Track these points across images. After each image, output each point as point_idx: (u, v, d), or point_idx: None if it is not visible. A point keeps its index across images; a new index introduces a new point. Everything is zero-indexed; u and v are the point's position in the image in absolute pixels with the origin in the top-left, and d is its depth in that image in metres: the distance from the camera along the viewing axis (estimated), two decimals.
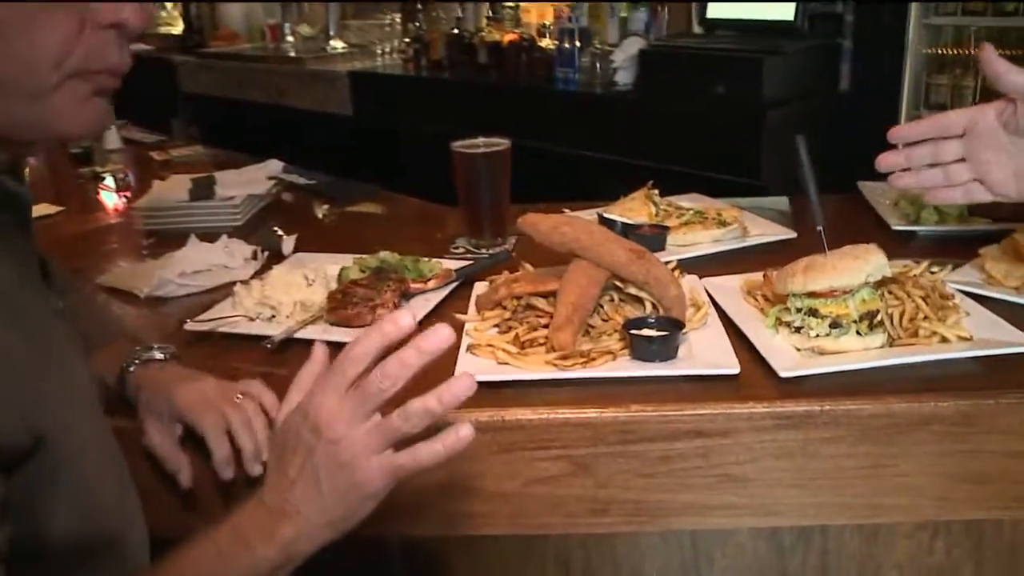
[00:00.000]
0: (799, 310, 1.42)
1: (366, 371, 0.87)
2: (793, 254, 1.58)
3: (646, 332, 1.47)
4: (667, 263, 1.81)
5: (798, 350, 1.42)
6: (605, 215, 2.17)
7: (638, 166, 4.56)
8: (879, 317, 1.47)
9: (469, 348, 1.51)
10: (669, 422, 1.30)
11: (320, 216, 2.73)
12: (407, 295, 1.84)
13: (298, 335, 1.69)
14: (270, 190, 2.72)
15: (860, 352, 1.39)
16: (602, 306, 1.59)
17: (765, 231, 2.13)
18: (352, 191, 2.92)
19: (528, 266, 1.77)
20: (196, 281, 2.07)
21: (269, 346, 1.60)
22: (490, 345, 1.52)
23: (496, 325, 1.62)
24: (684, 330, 1.43)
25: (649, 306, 1.60)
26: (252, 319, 1.79)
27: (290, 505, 0.90)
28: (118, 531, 0.94)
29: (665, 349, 1.38)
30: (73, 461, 0.86)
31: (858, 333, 1.40)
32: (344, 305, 1.74)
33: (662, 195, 2.33)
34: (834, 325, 1.40)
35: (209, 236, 2.33)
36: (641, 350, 1.40)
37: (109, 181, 3.32)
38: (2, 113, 0.83)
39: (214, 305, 1.86)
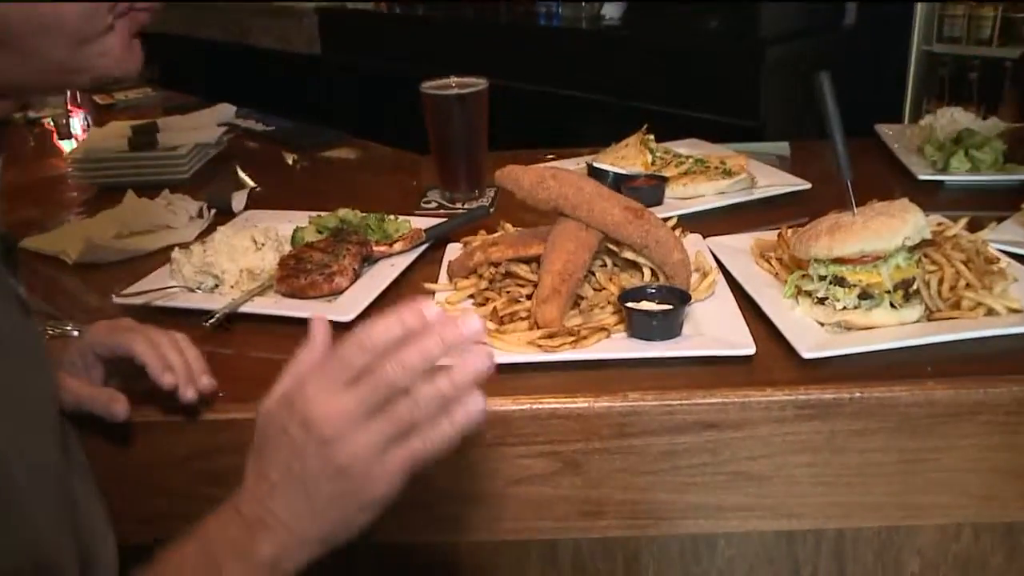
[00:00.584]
0: (823, 278, 1.26)
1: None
2: (808, 208, 1.41)
3: (645, 306, 1.30)
4: (666, 219, 1.63)
5: (821, 325, 1.28)
6: (595, 164, 1.98)
7: (627, 107, 4.35)
8: (915, 286, 1.30)
9: None
10: (673, 412, 1.17)
11: (280, 166, 2.52)
12: (370, 259, 1.65)
13: (244, 308, 1.50)
14: (221, 139, 2.50)
15: (895, 328, 1.24)
16: (593, 273, 1.42)
17: (775, 181, 1.94)
18: (316, 138, 2.70)
19: (508, 226, 1.58)
20: (132, 245, 1.87)
21: (207, 323, 1.41)
22: None
23: (471, 296, 1.43)
24: (690, 302, 1.23)
25: (648, 273, 1.42)
26: (193, 290, 1.60)
27: (271, 515, 0.79)
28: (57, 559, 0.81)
29: (668, 326, 1.24)
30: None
31: (892, 305, 1.24)
32: (297, 273, 1.55)
33: (657, 140, 2.14)
34: (864, 296, 1.23)
35: (152, 191, 2.14)
36: (640, 327, 1.24)
37: (52, 126, 3.09)
38: (35, 61, 0.82)
39: (151, 273, 1.66)
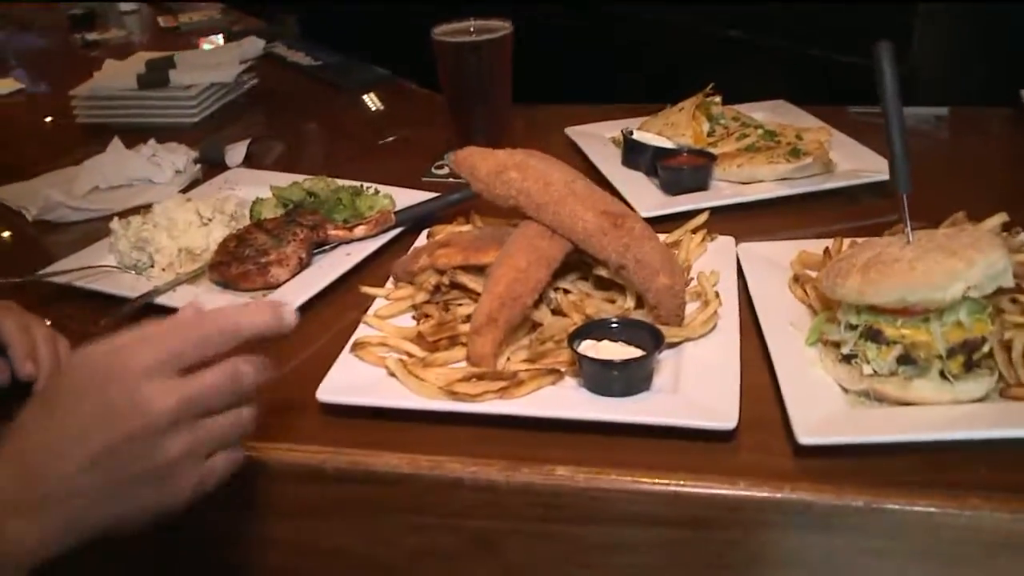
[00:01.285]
0: (852, 327, 1.01)
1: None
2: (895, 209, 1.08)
3: (606, 348, 1.02)
4: (698, 213, 1.34)
5: (844, 391, 1.02)
6: (632, 134, 1.67)
7: (720, 40, 3.74)
8: (985, 349, 0.97)
9: (355, 346, 1.11)
10: (610, 499, 0.96)
11: (304, 112, 2.34)
12: (324, 245, 1.43)
13: (162, 300, 1.32)
14: (240, 78, 2.32)
15: (944, 409, 0.97)
16: (561, 292, 1.15)
17: (862, 167, 1.58)
18: (361, 77, 2.49)
19: (477, 220, 1.33)
20: (100, 203, 1.74)
21: (103, 322, 1.24)
22: (384, 344, 1.11)
23: (415, 307, 1.20)
24: (661, 348, 1.00)
25: (630, 299, 1.14)
26: (126, 269, 1.43)
27: (35, 463, 0.77)
28: None
29: (630, 379, 1.03)
30: None
31: (944, 376, 0.92)
32: (232, 260, 1.35)
33: (738, 95, 1.81)
34: (905, 359, 0.93)
35: (158, 134, 2.01)
36: (594, 378, 1.01)
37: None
38: None
39: (98, 242, 1.52)
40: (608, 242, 1.10)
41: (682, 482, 0.94)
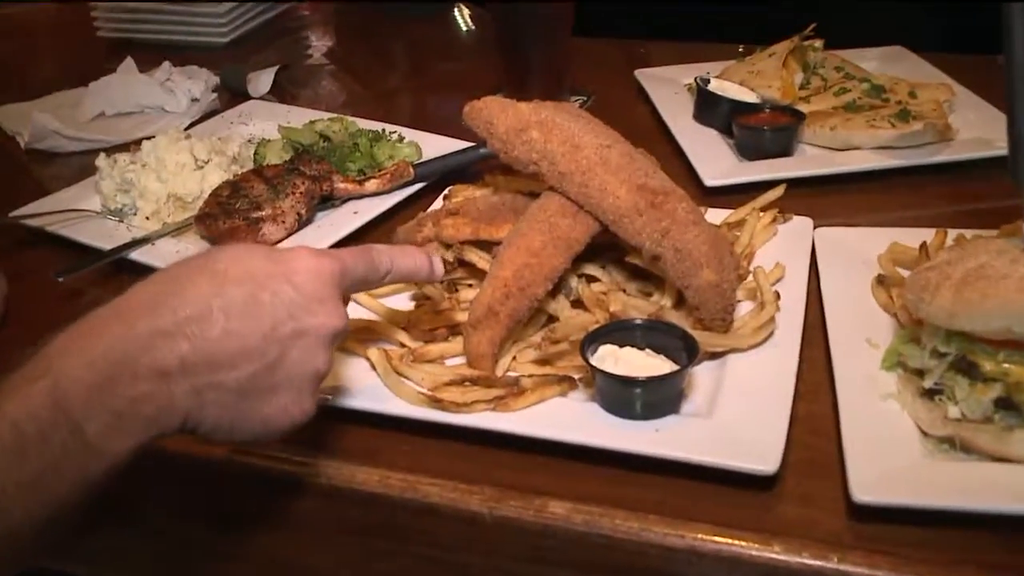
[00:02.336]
0: (940, 355, 0.84)
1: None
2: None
3: (628, 358, 0.90)
4: (775, 185, 1.21)
5: (924, 435, 0.89)
6: (708, 83, 1.51)
7: None
8: None
9: None
10: (611, 546, 0.85)
11: (349, 39, 2.23)
12: (330, 200, 1.33)
13: (138, 256, 1.24)
14: None
15: None
16: (584, 280, 1.02)
17: (990, 135, 1.38)
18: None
19: (499, 181, 1.20)
20: (102, 133, 1.67)
21: (61, 278, 1.17)
22: (371, 330, 1.01)
23: (417, 285, 1.09)
24: (694, 362, 0.89)
25: (669, 295, 1.00)
26: (108, 215, 1.36)
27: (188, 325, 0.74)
28: None
29: (653, 399, 0.91)
30: None
31: None
32: (221, 212, 1.26)
33: (848, 37, 1.62)
34: (1005, 404, 0.80)
35: (182, 54, 1.94)
36: (610, 396, 0.91)
37: None
38: None
39: (85, 180, 1.46)
40: (643, 225, 0.96)
41: (702, 536, 0.83)
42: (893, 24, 2.06)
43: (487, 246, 1.07)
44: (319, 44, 2.26)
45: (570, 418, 0.91)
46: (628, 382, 0.89)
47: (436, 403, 0.91)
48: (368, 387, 0.95)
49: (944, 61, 1.68)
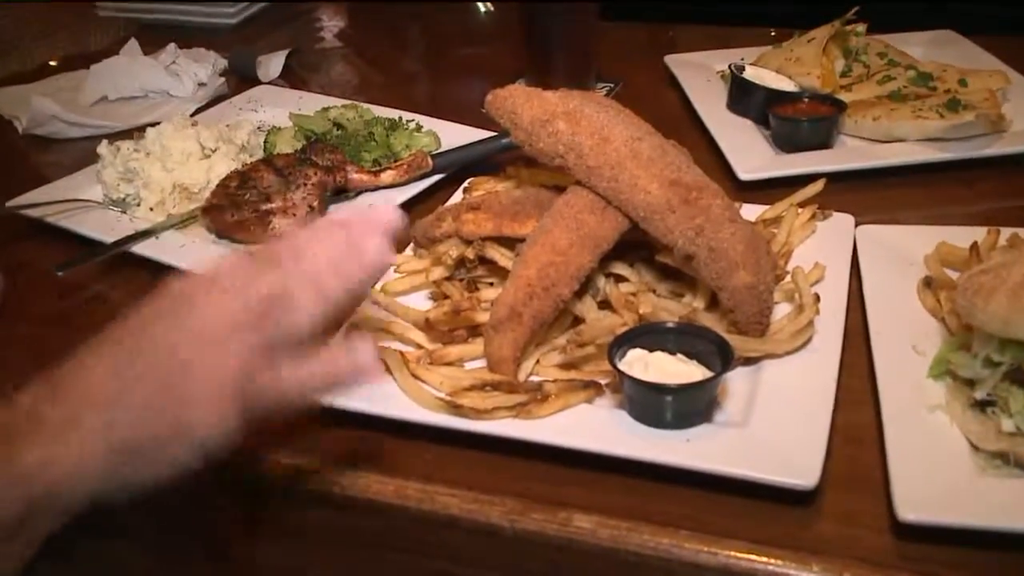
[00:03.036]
0: (993, 365, 0.86)
1: None
2: None
3: (658, 363, 0.89)
4: (814, 180, 1.22)
5: (976, 450, 0.88)
6: (743, 70, 1.50)
7: None
8: None
9: (351, 330, 1.01)
10: (640, 563, 0.84)
11: (370, 23, 2.23)
12: (343, 192, 1.32)
13: (141, 249, 1.24)
14: None
15: None
16: (613, 280, 1.01)
17: None
18: None
19: (520, 175, 1.19)
20: (105, 118, 1.68)
21: (60, 272, 1.17)
22: (387, 331, 1.01)
23: (435, 283, 1.08)
24: (727, 369, 0.90)
25: (702, 297, 0.99)
26: (110, 205, 1.36)
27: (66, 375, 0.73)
28: None
29: (684, 408, 0.90)
30: None
31: None
32: (229, 204, 1.26)
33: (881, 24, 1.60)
34: None
35: (190, 38, 1.95)
36: (638, 404, 0.91)
37: None
38: None
39: (88, 167, 1.46)
40: (676, 222, 0.95)
41: (735, 554, 0.82)
42: (943, 6, 2.04)
43: (510, 243, 1.06)
44: (332, 26, 2.26)
45: (596, 427, 0.90)
46: (658, 389, 0.88)
47: (455, 409, 0.90)
48: (383, 391, 0.95)
49: (998, 46, 1.66)
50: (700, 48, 1.75)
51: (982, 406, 0.87)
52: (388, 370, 0.96)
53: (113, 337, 0.75)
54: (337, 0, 2.37)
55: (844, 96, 1.46)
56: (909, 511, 0.79)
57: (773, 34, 1.68)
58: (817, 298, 0.99)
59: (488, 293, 1.04)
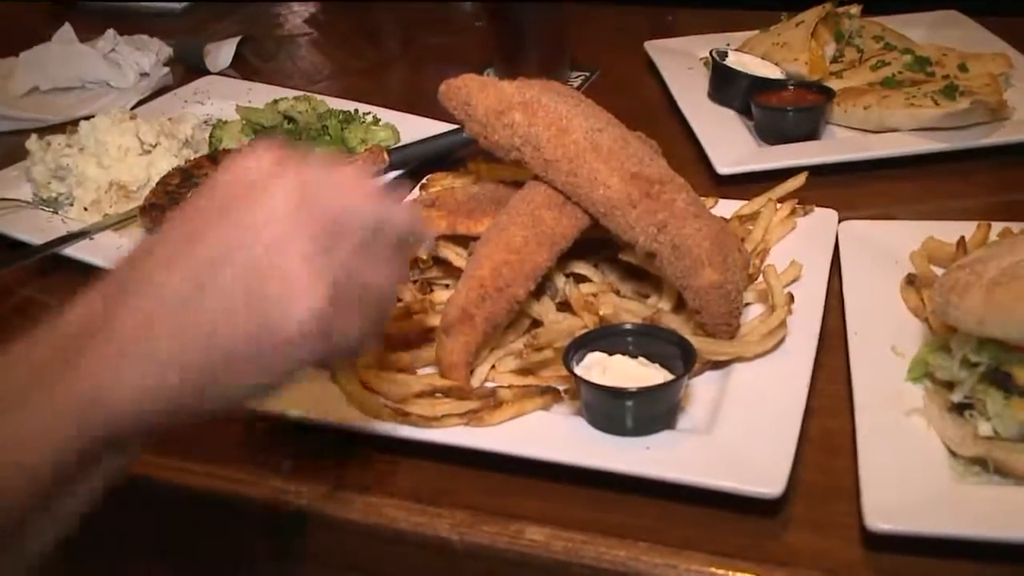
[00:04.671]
0: (971, 365, 0.92)
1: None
2: None
3: (618, 367, 0.94)
4: (796, 175, 1.27)
5: (953, 455, 0.92)
6: (726, 57, 1.54)
7: None
8: None
9: None
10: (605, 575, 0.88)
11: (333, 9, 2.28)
12: None
13: (74, 251, 1.28)
14: None
15: None
16: (572, 280, 1.05)
17: None
18: None
19: (479, 171, 1.23)
20: (35, 110, 1.72)
21: None
22: None
23: None
24: (689, 372, 0.95)
25: (668, 298, 1.04)
26: (40, 205, 1.40)
27: (133, 282, 0.71)
28: None
29: (644, 414, 0.94)
30: None
31: None
32: (167, 204, 1.30)
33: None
34: None
35: (135, 24, 1.99)
36: (596, 411, 0.95)
37: None
38: None
39: (16, 164, 1.51)
40: (637, 218, 0.99)
41: (696, 567, 0.86)
42: None
43: (465, 242, 1.10)
44: (290, 12, 2.30)
45: (552, 434, 0.94)
46: (616, 393, 0.92)
47: (403, 417, 0.94)
48: (329, 398, 0.99)
49: (1006, 26, 1.72)
50: (687, 32, 1.80)
51: (960, 409, 0.91)
52: (333, 377, 1.00)
53: (171, 237, 0.72)
54: None
55: (834, 83, 1.51)
56: (879, 520, 0.83)
57: (785, 17, 1.71)
58: (790, 298, 1.04)
59: (442, 295, 1.09)
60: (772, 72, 1.53)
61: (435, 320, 1.05)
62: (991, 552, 0.83)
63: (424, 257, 1.10)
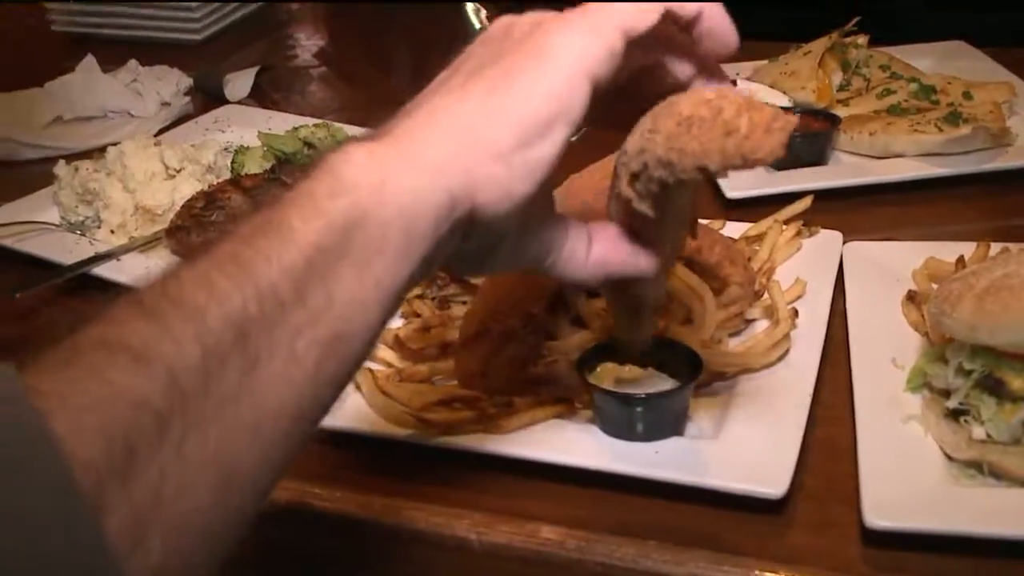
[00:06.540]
0: (965, 374, 0.98)
1: None
2: None
3: (630, 376, 1.00)
4: (800, 198, 1.33)
5: (949, 459, 0.98)
6: (735, 85, 1.62)
7: None
8: None
9: None
10: (615, 575, 0.94)
11: (345, 39, 2.37)
12: None
13: (103, 271, 1.36)
14: None
15: None
16: (584, 296, 1.12)
17: None
18: None
19: None
20: (61, 139, 1.81)
21: (18, 295, 1.29)
22: None
23: (407, 301, 1.19)
24: (696, 379, 1.01)
25: (674, 313, 1.11)
26: (69, 228, 1.48)
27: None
28: None
29: (654, 418, 1.00)
30: None
31: None
32: (195, 225, 1.38)
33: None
34: None
35: (153, 52, 2.08)
36: (608, 416, 1.01)
37: None
38: None
39: (43, 189, 1.59)
40: None
41: (703, 563, 0.91)
42: (958, 18, 2.17)
43: None
44: (307, 44, 2.39)
45: (564, 439, 1.00)
46: (627, 399, 0.98)
47: (423, 423, 1.01)
48: (352, 407, 1.06)
49: (1012, 57, 1.79)
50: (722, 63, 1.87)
51: (955, 415, 0.96)
52: (356, 387, 1.07)
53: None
54: (315, 0, 2.51)
55: (841, 111, 1.58)
56: (878, 517, 0.88)
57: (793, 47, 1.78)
58: (794, 313, 1.11)
59: (459, 311, 1.16)
60: (780, 100, 1.60)
61: (453, 334, 1.12)
62: (984, 549, 0.88)
63: (442, 275, 1.17)
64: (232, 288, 0.57)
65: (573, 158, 0.78)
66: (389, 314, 0.66)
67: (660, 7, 0.71)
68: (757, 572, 0.90)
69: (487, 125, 0.66)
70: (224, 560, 0.60)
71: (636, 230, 0.79)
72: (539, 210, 0.74)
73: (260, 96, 2.00)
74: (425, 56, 2.31)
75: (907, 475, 0.95)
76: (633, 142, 0.71)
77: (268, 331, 0.58)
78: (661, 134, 0.68)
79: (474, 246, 0.71)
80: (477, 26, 2.39)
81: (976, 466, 0.95)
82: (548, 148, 0.67)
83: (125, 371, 0.53)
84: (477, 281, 1.15)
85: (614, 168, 0.77)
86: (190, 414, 0.54)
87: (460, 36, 2.40)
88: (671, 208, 0.75)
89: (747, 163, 0.65)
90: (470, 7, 2.37)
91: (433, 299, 1.19)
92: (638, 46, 0.71)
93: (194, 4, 2.22)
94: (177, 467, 0.53)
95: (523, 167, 0.67)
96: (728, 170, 0.66)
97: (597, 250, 0.78)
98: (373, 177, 0.63)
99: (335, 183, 0.63)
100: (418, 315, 1.17)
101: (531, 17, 0.72)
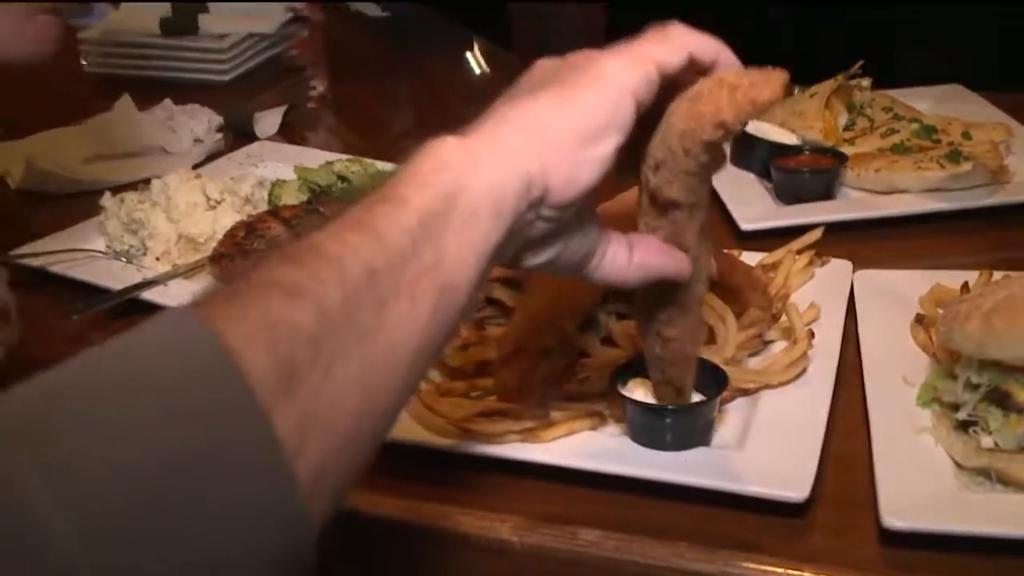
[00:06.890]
0: (973, 387, 1.04)
1: None
2: None
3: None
4: (811, 230, 1.39)
5: (959, 467, 1.04)
6: (746, 126, 1.70)
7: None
8: None
9: None
10: (650, 573, 1.00)
11: (359, 76, 2.45)
12: None
13: (150, 295, 1.43)
14: (288, 28, 2.46)
15: None
16: (615, 316, 1.20)
17: None
18: (427, 34, 2.59)
19: None
20: (99, 173, 1.88)
21: (74, 316, 1.36)
22: None
23: None
24: (722, 391, 1.08)
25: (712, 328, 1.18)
26: (115, 256, 1.56)
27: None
28: None
29: (682, 429, 1.08)
30: None
31: None
32: (238, 252, 1.45)
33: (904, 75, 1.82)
34: None
35: (182, 92, 2.16)
36: (639, 426, 1.09)
37: None
38: None
39: (89, 220, 1.66)
40: None
41: (732, 562, 0.96)
42: (956, 61, 2.27)
43: (517, 284, 1.25)
44: (323, 84, 2.49)
45: (599, 448, 1.06)
46: (657, 410, 1.05)
47: (467, 433, 1.08)
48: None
49: (1006, 100, 1.88)
50: None
51: (965, 426, 1.03)
52: None
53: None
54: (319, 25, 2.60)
55: (847, 149, 1.66)
56: (894, 519, 0.94)
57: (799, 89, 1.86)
58: (811, 333, 1.18)
59: (496, 332, 1.23)
60: (789, 139, 1.69)
61: (490, 352, 1.19)
62: (992, 548, 0.93)
63: (480, 297, 1.25)
64: (362, 241, 0.68)
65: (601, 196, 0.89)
66: (483, 276, 0.76)
67: (686, 50, 0.83)
68: (782, 570, 0.96)
69: (556, 127, 0.78)
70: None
71: (666, 240, 0.91)
72: (588, 213, 0.86)
73: (287, 133, 2.08)
74: (432, 94, 2.40)
75: (921, 481, 1.01)
76: (654, 141, 0.85)
77: (393, 277, 0.67)
78: (676, 115, 0.82)
79: (539, 233, 0.81)
80: (478, 71, 2.49)
81: (984, 473, 1.01)
82: (604, 148, 0.79)
83: (281, 304, 0.62)
84: (513, 304, 1.23)
85: (639, 183, 0.89)
86: (336, 342, 0.63)
87: (460, 79, 2.50)
88: (697, 203, 0.89)
89: (756, 108, 0.79)
90: (470, 55, 2.47)
91: (471, 321, 1.26)
92: (665, 80, 0.83)
93: (223, 42, 2.31)
94: (328, 387, 0.62)
95: (586, 162, 0.78)
96: (742, 120, 0.80)
97: (638, 254, 0.90)
98: (467, 159, 0.74)
99: (437, 162, 0.74)
100: (457, 335, 1.24)
101: (581, 53, 0.85)
